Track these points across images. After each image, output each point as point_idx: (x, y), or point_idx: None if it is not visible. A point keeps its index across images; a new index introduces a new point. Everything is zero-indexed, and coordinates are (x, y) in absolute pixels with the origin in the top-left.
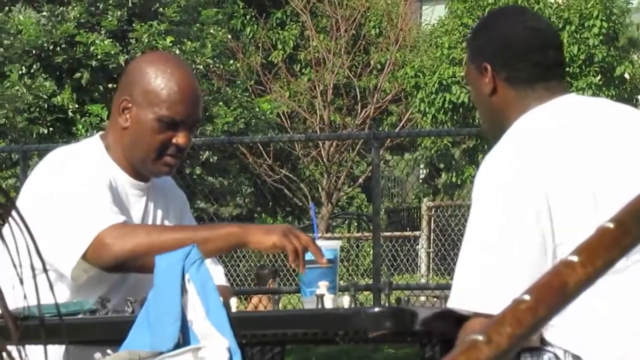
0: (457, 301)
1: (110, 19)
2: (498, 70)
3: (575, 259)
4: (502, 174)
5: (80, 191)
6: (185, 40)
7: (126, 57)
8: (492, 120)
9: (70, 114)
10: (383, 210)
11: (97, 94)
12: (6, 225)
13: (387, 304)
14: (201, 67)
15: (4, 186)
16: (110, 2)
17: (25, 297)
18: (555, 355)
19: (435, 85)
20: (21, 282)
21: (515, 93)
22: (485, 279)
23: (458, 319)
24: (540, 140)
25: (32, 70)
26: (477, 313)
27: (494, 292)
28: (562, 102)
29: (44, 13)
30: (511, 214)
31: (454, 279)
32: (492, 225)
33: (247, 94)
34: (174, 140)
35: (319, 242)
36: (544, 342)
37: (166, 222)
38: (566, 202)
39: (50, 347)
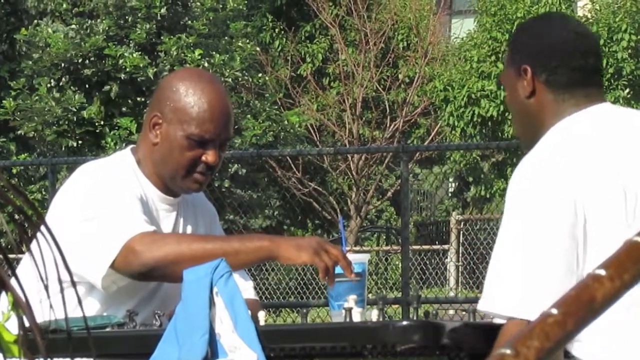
0: (491, 305)
1: (139, 32)
2: (538, 73)
3: (603, 272)
4: (537, 179)
5: (109, 202)
6: (214, 53)
7: (155, 70)
8: (526, 124)
9: (99, 127)
10: (412, 223)
11: (126, 107)
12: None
13: (415, 318)
14: (230, 80)
15: (31, 200)
16: (139, 15)
17: (52, 310)
18: None
19: (464, 98)
20: (48, 295)
21: (553, 97)
22: (519, 284)
23: (486, 333)
24: (576, 147)
25: (60, 84)
26: (512, 318)
27: (529, 297)
28: (598, 110)
29: (73, 26)
30: (545, 219)
31: (486, 282)
32: (526, 230)
33: (276, 107)
34: (203, 158)
35: (347, 256)
36: (568, 355)
37: None
38: (599, 211)
39: None
